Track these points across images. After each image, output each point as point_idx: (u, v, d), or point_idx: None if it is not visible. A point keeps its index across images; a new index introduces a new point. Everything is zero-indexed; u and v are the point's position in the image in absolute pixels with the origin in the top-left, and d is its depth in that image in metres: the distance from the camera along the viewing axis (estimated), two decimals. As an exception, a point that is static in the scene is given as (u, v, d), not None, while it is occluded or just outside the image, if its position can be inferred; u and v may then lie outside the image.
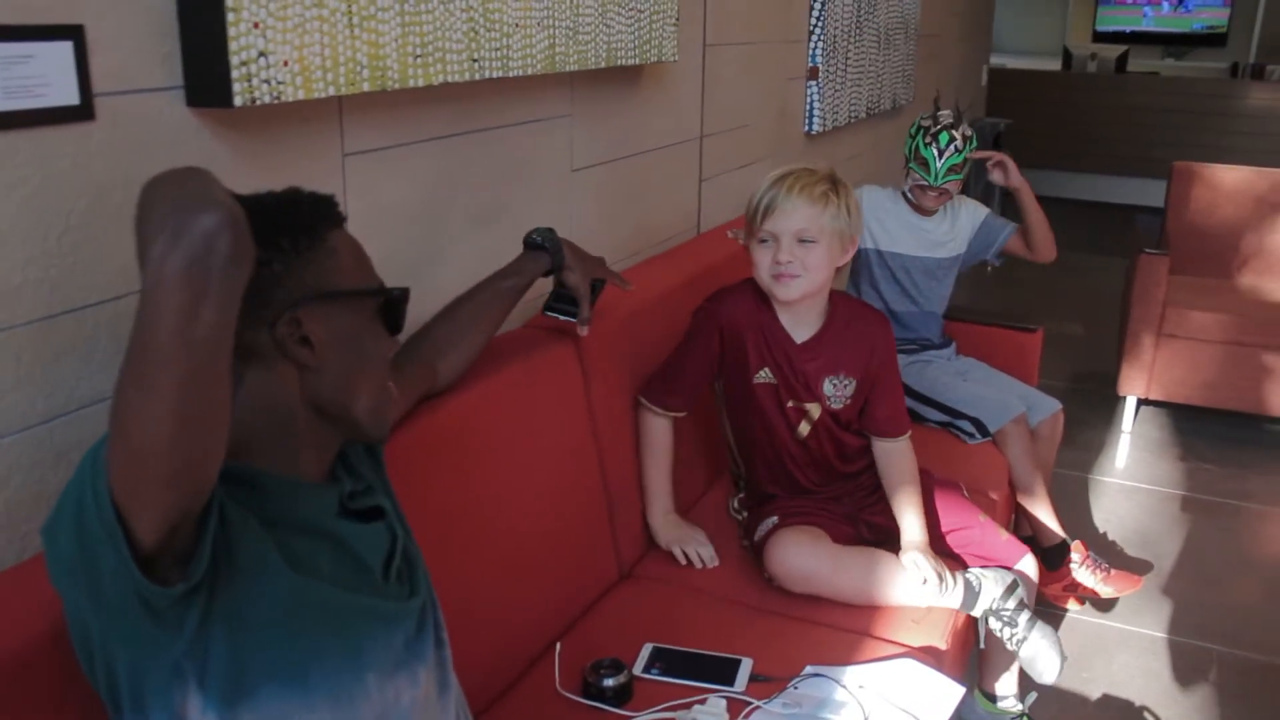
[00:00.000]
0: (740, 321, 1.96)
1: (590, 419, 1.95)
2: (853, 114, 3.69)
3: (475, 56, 1.66)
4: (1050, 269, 6.44)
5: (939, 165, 2.59)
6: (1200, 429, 4.05)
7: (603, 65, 1.98)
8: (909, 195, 2.71)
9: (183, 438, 0.80)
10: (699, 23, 2.54)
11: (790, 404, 1.99)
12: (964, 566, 1.97)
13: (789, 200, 1.85)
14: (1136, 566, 3.03)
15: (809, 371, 1.97)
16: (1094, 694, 2.48)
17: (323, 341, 1.02)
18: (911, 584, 1.86)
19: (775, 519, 1.96)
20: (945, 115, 2.64)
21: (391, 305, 1.10)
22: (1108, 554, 3.09)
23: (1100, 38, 10.30)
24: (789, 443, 2.01)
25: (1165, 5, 10.18)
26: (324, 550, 1.02)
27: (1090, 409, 4.22)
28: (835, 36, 3.39)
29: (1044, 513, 2.62)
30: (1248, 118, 7.70)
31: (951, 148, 2.59)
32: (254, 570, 0.93)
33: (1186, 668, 2.58)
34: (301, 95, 1.36)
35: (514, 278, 1.71)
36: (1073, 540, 2.71)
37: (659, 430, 2.02)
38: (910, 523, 1.95)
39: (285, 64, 1.33)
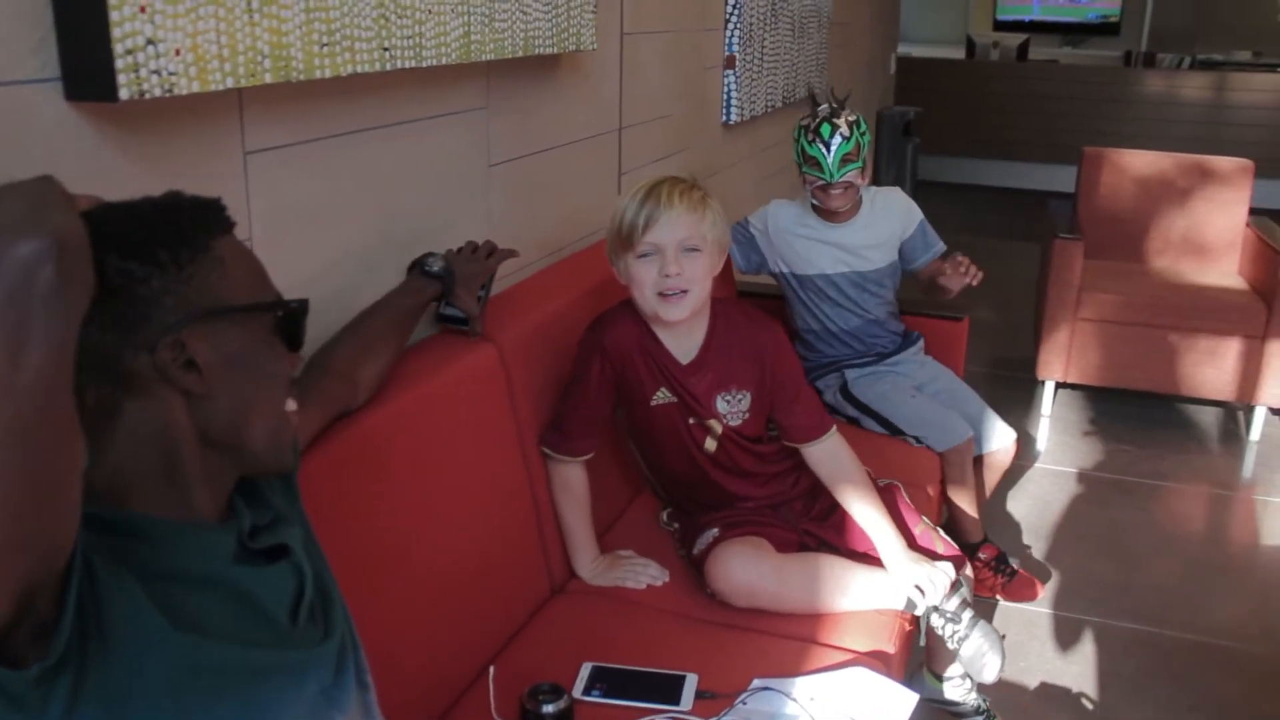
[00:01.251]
0: (627, 345, 1.86)
1: (516, 426, 1.86)
2: (769, 103, 3.64)
3: (386, 45, 1.55)
4: (972, 254, 6.55)
5: (830, 160, 2.50)
6: (1118, 411, 4.10)
7: (520, 54, 1.88)
8: (815, 201, 2.59)
9: (15, 499, 0.68)
10: (616, 9, 2.46)
11: (692, 421, 1.91)
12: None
13: (670, 209, 1.75)
14: (1041, 573, 3.05)
15: (700, 392, 1.89)
16: (1031, 683, 2.47)
17: (211, 364, 0.91)
18: (881, 592, 1.82)
19: (716, 531, 1.88)
20: (822, 109, 2.57)
21: (290, 319, 0.98)
22: (1034, 538, 3.10)
23: (1001, 27, 10.47)
24: (701, 460, 1.93)
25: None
26: (218, 603, 0.89)
27: (1009, 394, 4.25)
28: (751, 25, 3.34)
29: (968, 516, 2.60)
30: (1142, 104, 7.89)
31: (838, 137, 2.49)
32: (131, 637, 0.81)
33: (1118, 651, 2.59)
34: (196, 87, 1.24)
35: (412, 296, 1.67)
36: (988, 541, 2.69)
37: (571, 477, 1.91)
38: (882, 535, 1.86)
39: (177, 53, 1.20)
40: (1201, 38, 9.35)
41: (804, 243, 2.63)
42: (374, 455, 1.51)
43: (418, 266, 1.73)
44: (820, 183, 2.53)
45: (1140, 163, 4.31)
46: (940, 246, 2.73)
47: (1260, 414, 3.87)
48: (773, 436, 2.00)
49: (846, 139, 2.50)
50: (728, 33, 3.24)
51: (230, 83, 1.29)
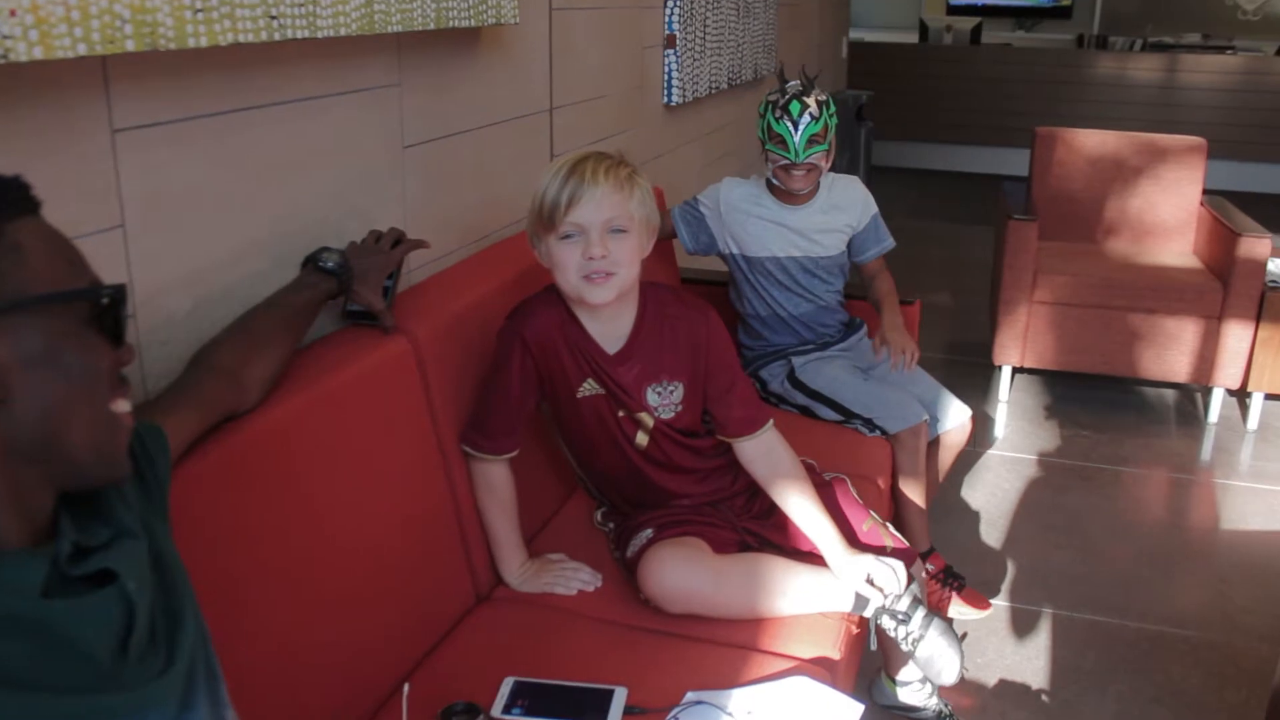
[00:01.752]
0: (550, 334, 1.73)
1: (433, 423, 1.73)
2: (714, 84, 3.53)
3: (274, 13, 1.41)
4: (916, 239, 6.48)
5: (797, 139, 2.40)
6: (1075, 395, 4.04)
7: (431, 26, 1.75)
8: (774, 180, 2.49)
9: None
10: (544, -18, 2.33)
11: (622, 414, 1.79)
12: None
13: (595, 187, 1.62)
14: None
15: (628, 383, 1.77)
16: (990, 679, 2.38)
17: (9, 365, 0.78)
18: (827, 594, 1.71)
19: (650, 532, 1.77)
20: (793, 85, 2.47)
21: (107, 309, 0.85)
22: (990, 527, 3.01)
23: (954, 11, 10.43)
24: (632, 455, 1.82)
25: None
26: (18, 645, 0.76)
27: (966, 379, 4.17)
28: (693, 3, 3.22)
29: (916, 516, 2.48)
30: (1095, 85, 7.86)
31: (806, 116, 2.40)
32: None
33: (1079, 643, 2.50)
34: (40, 54, 1.10)
35: (307, 291, 1.54)
36: (934, 550, 2.57)
37: (494, 477, 1.79)
38: (821, 533, 1.76)
39: (12, 13, 1.07)
40: (1153, 21, 9.35)
41: (756, 223, 2.52)
42: (269, 458, 1.39)
43: (311, 262, 1.59)
44: (784, 162, 2.42)
45: (1093, 142, 4.24)
46: (889, 243, 2.64)
47: (1218, 395, 3.81)
48: (709, 430, 1.88)
49: (815, 119, 2.40)
50: (667, 11, 3.12)
51: (84, 49, 1.15)
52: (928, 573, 2.51)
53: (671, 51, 3.15)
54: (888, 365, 2.57)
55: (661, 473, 1.84)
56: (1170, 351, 3.75)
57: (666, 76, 3.18)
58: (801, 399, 2.49)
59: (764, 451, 1.83)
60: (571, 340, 1.74)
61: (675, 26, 3.12)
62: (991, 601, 2.62)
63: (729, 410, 1.82)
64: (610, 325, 1.75)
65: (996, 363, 3.92)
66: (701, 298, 1.85)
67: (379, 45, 1.76)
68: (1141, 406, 3.99)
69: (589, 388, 1.76)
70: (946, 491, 3.24)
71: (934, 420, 2.54)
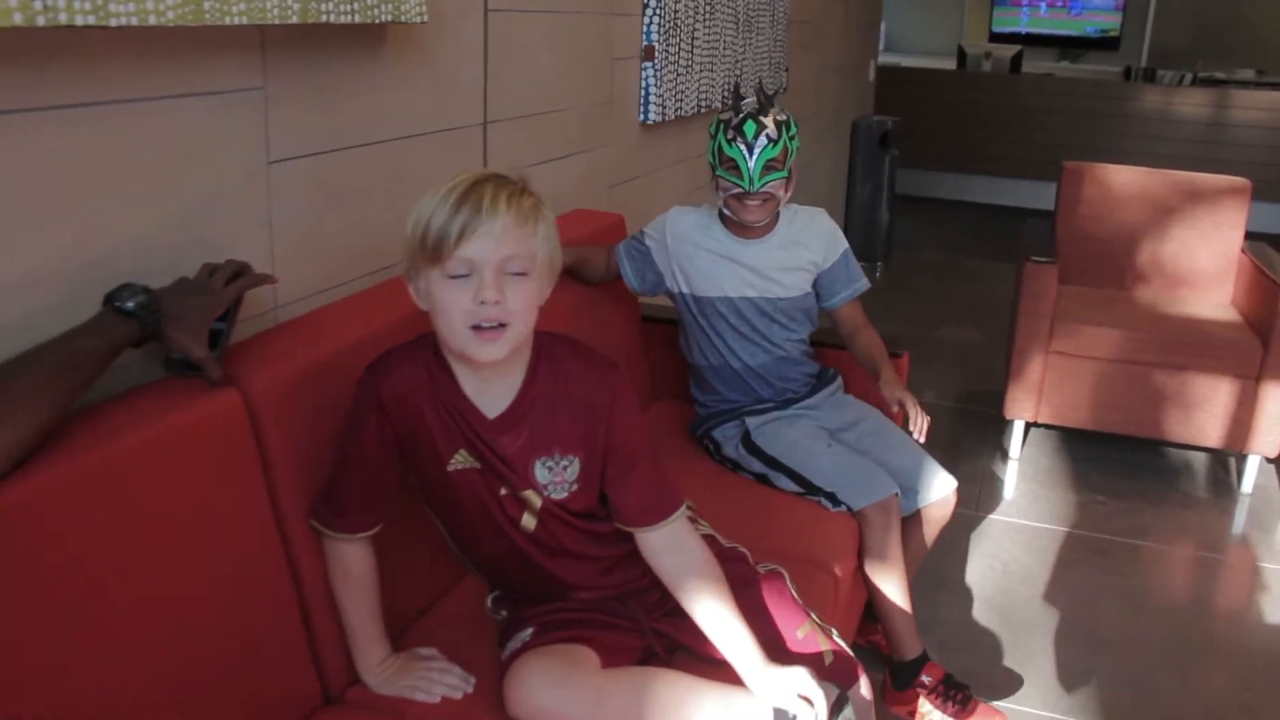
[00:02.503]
0: (414, 393, 1.43)
1: (271, 496, 1.44)
2: (702, 103, 3.23)
3: (52, -9, 1.13)
4: (940, 274, 6.12)
5: (752, 165, 2.09)
6: (1094, 455, 3.68)
7: (293, 20, 1.47)
8: (726, 211, 2.19)
9: None
10: (478, -20, 2.05)
11: (504, 492, 1.48)
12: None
13: (494, 218, 1.31)
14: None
15: (512, 455, 1.46)
16: (964, 801, 2.04)
17: None
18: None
19: (529, 632, 1.47)
20: (747, 103, 2.17)
21: None
22: (990, 610, 2.67)
23: (996, 39, 10.08)
24: (518, 540, 1.51)
25: (1043, 7, 9.98)
26: None
27: (976, 433, 3.83)
28: (677, 13, 2.93)
29: (898, 617, 2.14)
30: (1141, 120, 7.49)
31: (763, 139, 2.09)
32: None
33: (1074, 760, 2.16)
34: None
35: (91, 338, 1.24)
36: (930, 659, 2.20)
37: (350, 558, 1.49)
38: (735, 644, 1.46)
39: None
40: (1204, 55, 8.93)
41: (706, 257, 2.22)
42: (25, 543, 1.10)
43: (110, 301, 1.31)
44: (736, 190, 2.12)
45: (1125, 179, 3.89)
46: (861, 284, 2.30)
47: (1253, 464, 3.44)
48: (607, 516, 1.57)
49: (773, 142, 2.09)
50: (646, 19, 2.83)
51: None
52: (923, 686, 2.16)
53: (650, 64, 2.86)
54: (861, 429, 2.25)
55: (555, 561, 1.53)
56: (1201, 413, 3.39)
57: (644, 92, 2.89)
58: (758, 466, 2.18)
59: (669, 546, 1.51)
60: (443, 401, 1.44)
61: (654, 37, 2.83)
62: (989, 703, 2.28)
63: (625, 494, 1.50)
64: (492, 384, 1.45)
65: (1008, 415, 3.57)
66: (606, 355, 1.54)
67: (232, 41, 1.48)
68: (1166, 472, 3.62)
69: (461, 460, 1.46)
70: (940, 562, 2.90)
71: (913, 493, 2.22)
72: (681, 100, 3.05)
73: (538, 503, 1.48)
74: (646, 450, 1.53)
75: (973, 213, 7.80)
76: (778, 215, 2.24)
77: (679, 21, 2.94)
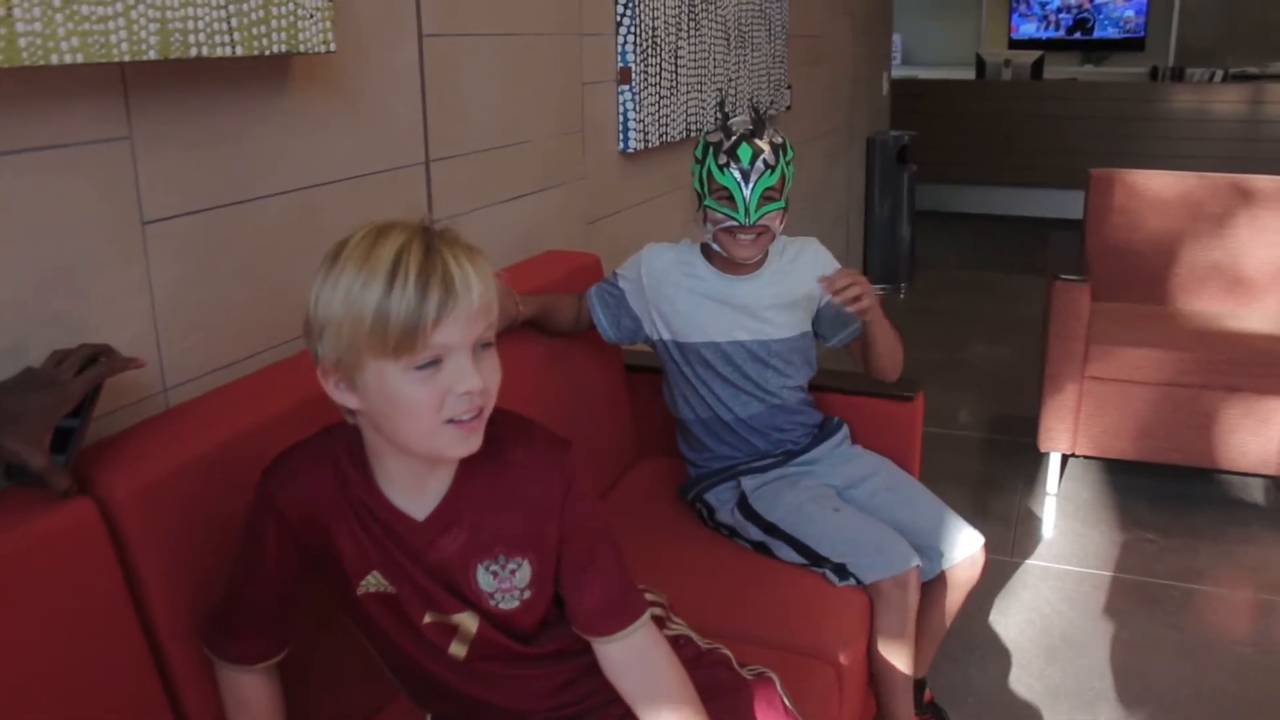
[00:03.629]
0: (319, 505, 1.19)
1: (143, 622, 1.20)
2: (691, 126, 2.98)
3: None
4: (965, 292, 5.82)
5: (748, 194, 1.85)
6: (1140, 488, 3.37)
7: (150, 56, 1.24)
8: (715, 245, 1.94)
9: None
10: (407, 4, 1.81)
11: (428, 619, 1.23)
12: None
13: (468, 291, 1.06)
14: None
15: (446, 562, 1.20)
16: None
17: None
18: None
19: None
20: (739, 122, 1.93)
21: None
22: (1027, 673, 2.37)
23: (1016, 45, 9.78)
24: (444, 673, 1.26)
25: (1066, 17, 9.67)
26: None
27: (1009, 466, 3.53)
28: (655, 30, 2.69)
29: (899, 685, 1.87)
30: (1171, 121, 7.17)
31: (760, 164, 1.85)
32: None
33: None
34: None
35: None
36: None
37: (246, 690, 1.26)
38: None
39: None
40: (1234, 50, 8.58)
41: (689, 298, 1.97)
42: None
43: None
44: (729, 224, 1.87)
45: (1159, 185, 3.60)
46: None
47: (1318, 491, 3.13)
48: (563, 629, 1.31)
49: (770, 168, 1.85)
50: (620, 40, 2.59)
51: None
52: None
53: (627, 87, 2.62)
54: (873, 484, 1.99)
55: (493, 689, 1.28)
56: (1257, 438, 3.08)
57: (622, 118, 2.65)
58: (756, 533, 1.91)
59: (632, 662, 1.26)
60: (356, 510, 1.19)
61: (630, 58, 2.59)
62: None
63: (581, 596, 1.25)
64: (421, 481, 1.20)
65: (1042, 448, 3.28)
66: (554, 432, 1.28)
67: (81, 84, 1.25)
68: (1222, 504, 3.30)
69: (374, 583, 1.21)
70: (973, 619, 2.61)
71: (935, 553, 1.95)
72: (667, 125, 2.81)
73: (473, 627, 1.23)
74: (605, 544, 1.27)
75: (998, 226, 7.51)
76: (767, 249, 1.99)
77: (658, 39, 2.71)
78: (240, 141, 1.49)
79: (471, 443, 1.12)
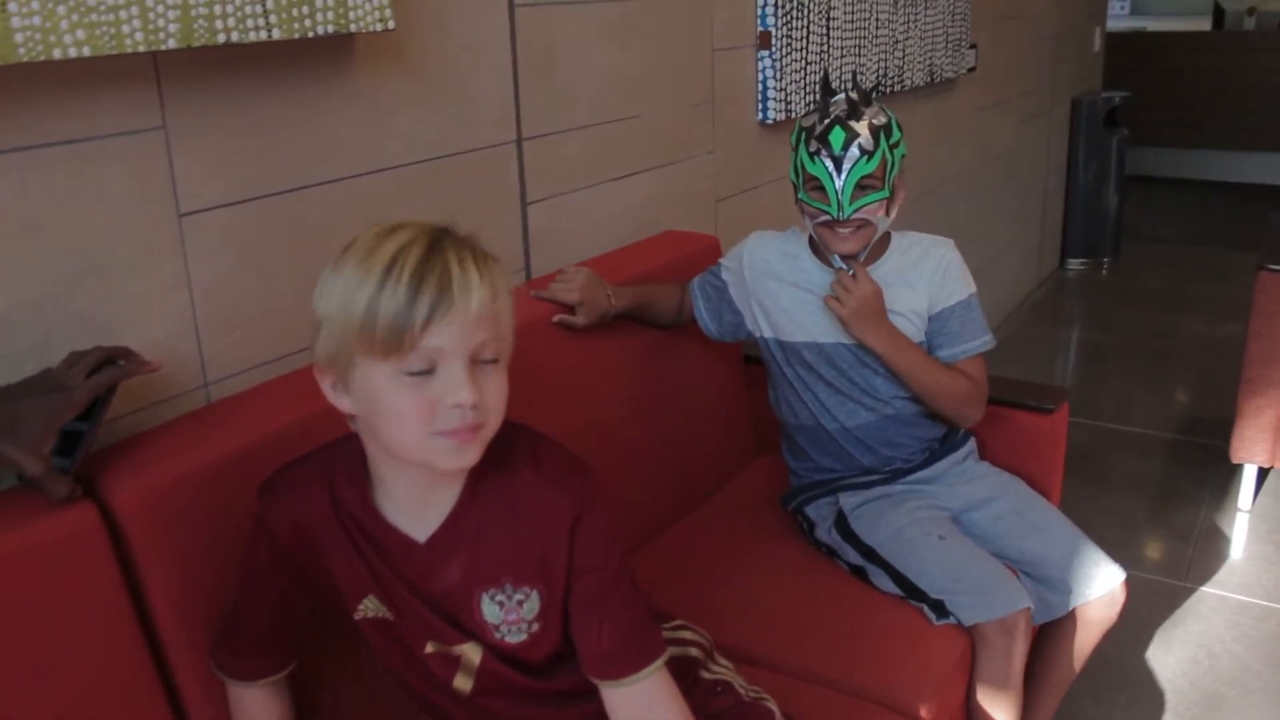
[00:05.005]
0: (308, 524, 1.11)
1: (146, 636, 1.18)
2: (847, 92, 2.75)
3: None
4: (1174, 269, 5.29)
5: (840, 184, 1.65)
6: (1350, 511, 2.96)
7: (170, 45, 1.18)
8: (817, 239, 1.76)
9: None
10: (497, -31, 1.71)
11: (430, 649, 1.14)
12: None
13: (466, 296, 0.97)
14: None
15: (448, 590, 1.11)
16: None
17: None
18: None
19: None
20: (838, 102, 1.72)
21: None
22: (1194, 716, 2.11)
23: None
24: (449, 706, 1.17)
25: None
26: None
27: (1197, 475, 3.17)
28: (802, -10, 2.48)
29: None
30: None
31: (855, 149, 1.65)
32: None
33: None
34: None
35: None
36: None
37: (251, 706, 1.21)
38: None
39: None
40: None
41: (792, 293, 1.80)
42: None
43: None
44: (824, 218, 1.69)
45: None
46: (982, 341, 1.79)
47: None
48: (571, 666, 1.20)
49: (867, 154, 1.65)
50: (760, 2, 2.40)
51: None
52: None
53: (766, 53, 2.43)
54: (997, 507, 1.78)
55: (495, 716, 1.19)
56: None
57: (761, 86, 2.46)
58: (854, 556, 1.74)
59: (640, 709, 1.14)
60: (351, 529, 1.11)
61: (770, 21, 2.40)
62: None
63: (589, 636, 1.13)
64: (423, 500, 1.11)
65: (1235, 459, 2.91)
66: (574, 455, 1.17)
67: (107, 75, 1.20)
68: None
69: (371, 607, 1.13)
70: (1125, 650, 2.35)
71: (1066, 587, 1.74)
72: (814, 91, 2.61)
73: (476, 658, 1.14)
74: (620, 583, 1.15)
75: (1224, 194, 6.81)
76: (888, 241, 1.79)
77: (804, 0, 2.50)
78: (292, 127, 1.42)
79: (465, 456, 1.02)
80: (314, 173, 1.46)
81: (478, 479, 1.10)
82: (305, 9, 1.31)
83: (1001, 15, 4.07)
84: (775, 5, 2.40)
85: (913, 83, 3.21)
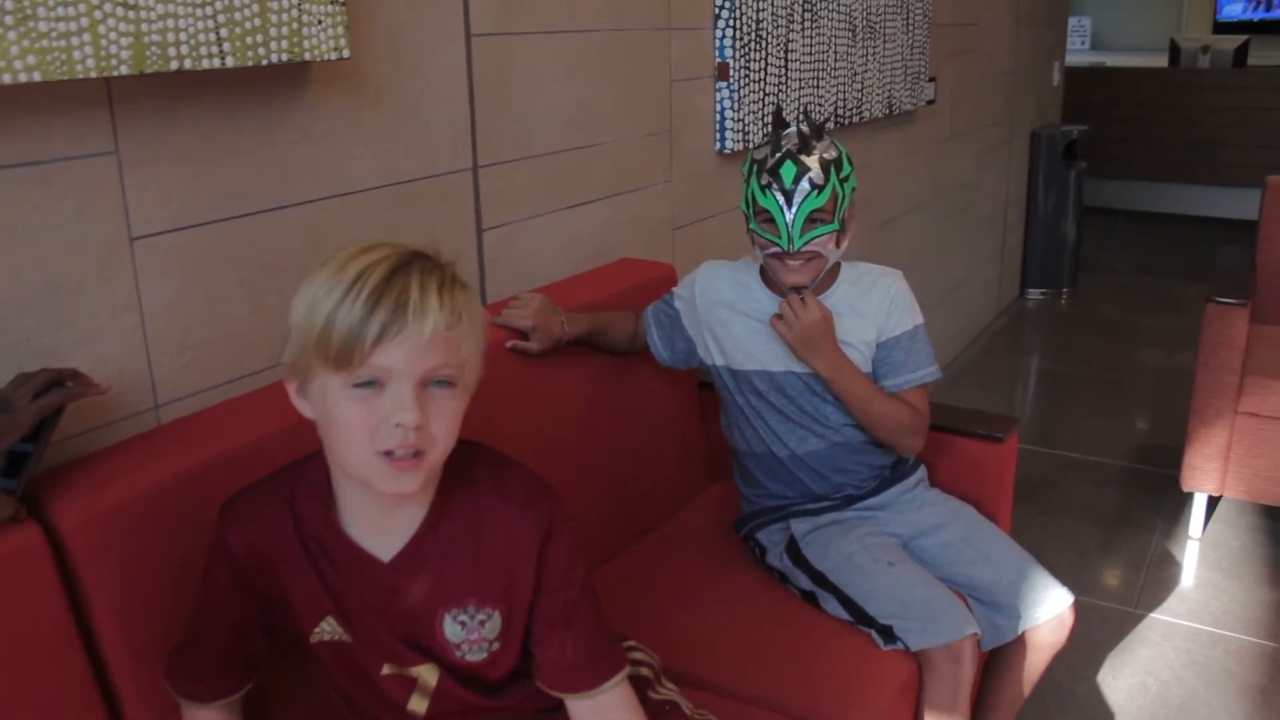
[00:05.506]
0: (272, 547, 1.12)
1: (90, 658, 1.17)
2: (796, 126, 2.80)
3: None
4: (1129, 298, 5.38)
5: (790, 217, 1.68)
6: (1297, 539, 3.01)
7: (122, 71, 1.19)
8: (768, 270, 1.79)
9: None
10: (453, 3, 1.73)
11: (386, 671, 1.15)
12: None
13: (422, 319, 0.99)
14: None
15: (411, 609, 1.13)
16: None
17: None
18: None
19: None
20: (789, 135, 1.75)
21: None
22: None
23: (1221, 29, 9.02)
24: None
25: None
26: None
27: (1150, 502, 3.22)
28: (760, 23, 2.53)
29: None
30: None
31: (805, 183, 1.68)
32: None
33: None
34: None
35: None
36: None
37: None
38: None
39: None
40: None
41: (743, 323, 1.82)
42: None
43: None
44: (775, 249, 1.72)
45: (1346, 197, 3.19)
46: (926, 372, 1.80)
47: None
48: (526, 681, 1.22)
49: (818, 188, 1.68)
50: (718, 33, 2.44)
51: None
52: None
53: (724, 85, 2.47)
54: (946, 534, 1.80)
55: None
56: None
57: (719, 116, 2.50)
58: (805, 582, 1.76)
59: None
60: (312, 548, 1.12)
61: (729, 53, 2.44)
62: None
63: (552, 651, 1.16)
64: (388, 518, 1.12)
65: (1185, 487, 2.97)
66: (538, 476, 1.19)
67: (57, 99, 1.21)
68: (1397, 563, 2.92)
69: (328, 630, 1.14)
70: (1073, 676, 2.37)
71: (1015, 612, 1.76)
72: (770, 122, 2.64)
73: (433, 680, 1.15)
74: (585, 601, 1.18)
75: (1181, 226, 6.94)
76: (838, 270, 1.82)
77: (762, 32, 2.54)
78: (246, 153, 1.43)
79: (403, 483, 1.04)
80: (268, 198, 1.47)
81: (443, 499, 1.12)
82: (260, 37, 1.33)
83: (961, 49, 4.15)
84: (734, 37, 2.44)
85: (871, 114, 3.27)
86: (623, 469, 1.99)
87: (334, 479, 1.11)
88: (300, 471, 1.14)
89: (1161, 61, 7.78)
